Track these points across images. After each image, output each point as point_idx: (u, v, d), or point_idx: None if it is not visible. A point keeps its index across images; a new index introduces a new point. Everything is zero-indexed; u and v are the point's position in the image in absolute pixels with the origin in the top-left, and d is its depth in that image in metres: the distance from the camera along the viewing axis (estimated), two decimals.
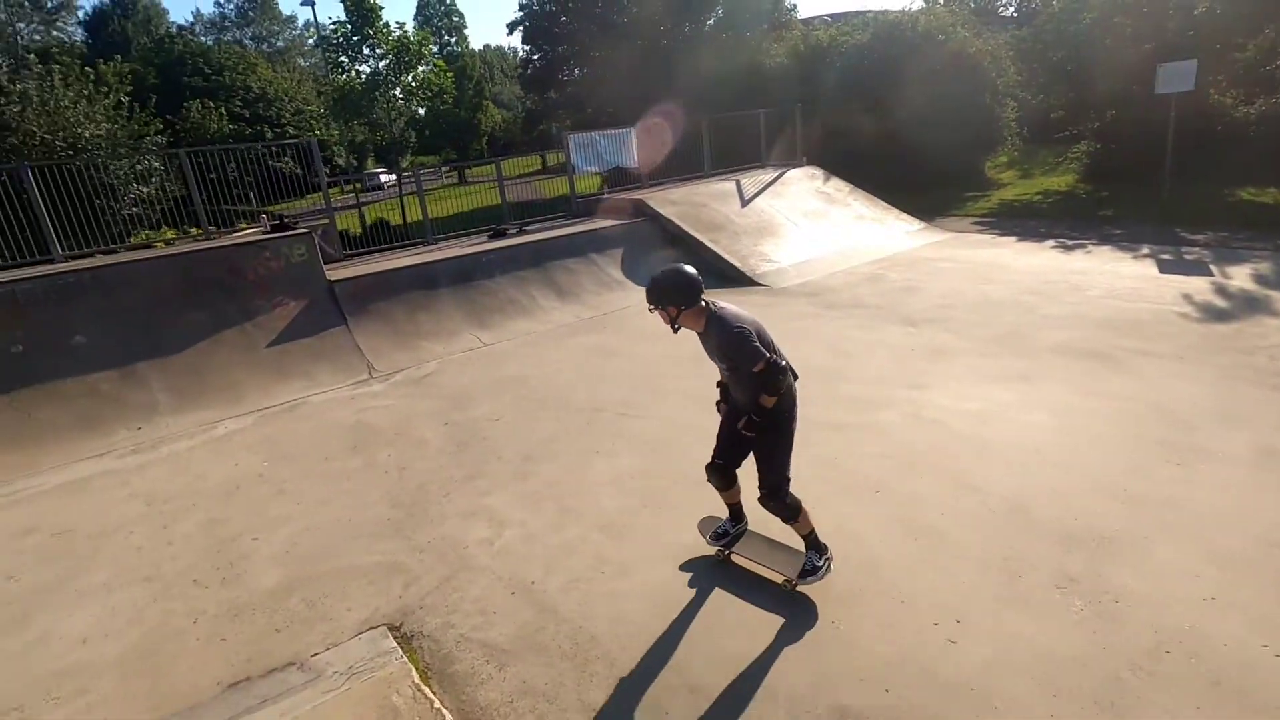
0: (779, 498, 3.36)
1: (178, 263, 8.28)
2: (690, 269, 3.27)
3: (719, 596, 3.53)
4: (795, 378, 3.37)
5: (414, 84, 17.11)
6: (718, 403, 3.61)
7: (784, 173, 13.88)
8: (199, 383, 7.41)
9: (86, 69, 18.11)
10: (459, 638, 3.43)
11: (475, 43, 66.21)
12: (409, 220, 17.81)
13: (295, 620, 3.69)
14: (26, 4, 55.54)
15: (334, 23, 16.96)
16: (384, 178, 38.84)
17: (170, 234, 12.97)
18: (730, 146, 15.17)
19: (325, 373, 7.78)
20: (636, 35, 25.44)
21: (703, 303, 3.22)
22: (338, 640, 3.50)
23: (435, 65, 16.98)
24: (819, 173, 14.13)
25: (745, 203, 12.42)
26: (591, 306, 9.62)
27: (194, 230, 12.72)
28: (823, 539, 3.53)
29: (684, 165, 14.53)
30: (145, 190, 13.17)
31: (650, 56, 25.24)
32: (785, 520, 3.46)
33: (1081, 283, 8.70)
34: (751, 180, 13.40)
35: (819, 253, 11.10)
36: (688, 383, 6.49)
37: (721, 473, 3.59)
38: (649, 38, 25.55)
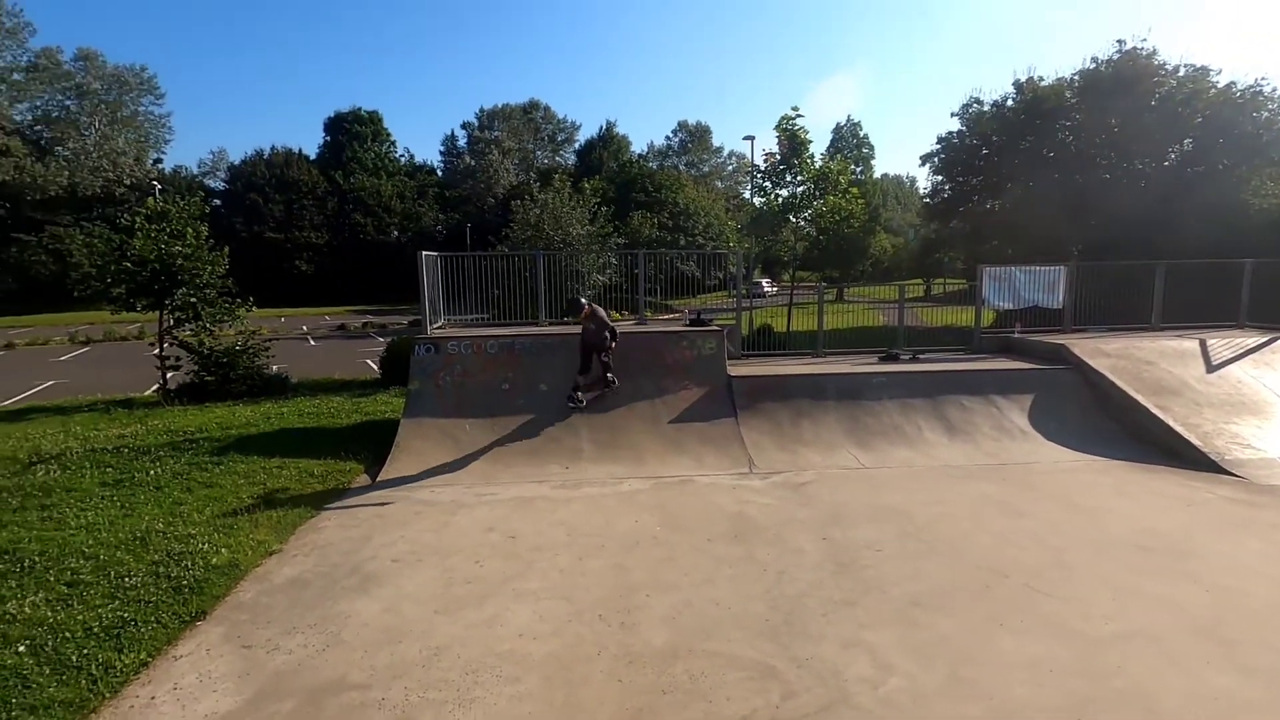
0: (585, 372, 8.86)
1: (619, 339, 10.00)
2: (582, 298, 9.19)
3: None
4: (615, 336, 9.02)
5: (824, 209, 18.29)
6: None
7: (1277, 338, 10.84)
8: (613, 440, 8.71)
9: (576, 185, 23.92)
10: None
11: (876, 170, 68.83)
12: (791, 329, 18.74)
13: (679, 689, 3.89)
14: (545, 138, 76.40)
15: (766, 153, 19.25)
16: (767, 287, 42.18)
17: None
18: (1191, 300, 12.56)
19: (711, 457, 8.42)
20: (1071, 169, 23.27)
21: (588, 307, 8.86)
22: None
23: (850, 193, 17.88)
24: None
25: (1213, 368, 9.98)
26: (987, 452, 8.65)
27: (614, 314, 15.47)
28: None
29: (1121, 315, 12.48)
30: (602, 279, 16.56)
31: (1084, 192, 22.75)
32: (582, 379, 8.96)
33: None
34: (1223, 342, 10.77)
35: None
36: (1115, 571, 5.31)
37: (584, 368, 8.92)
38: (1085, 173, 23.13)
